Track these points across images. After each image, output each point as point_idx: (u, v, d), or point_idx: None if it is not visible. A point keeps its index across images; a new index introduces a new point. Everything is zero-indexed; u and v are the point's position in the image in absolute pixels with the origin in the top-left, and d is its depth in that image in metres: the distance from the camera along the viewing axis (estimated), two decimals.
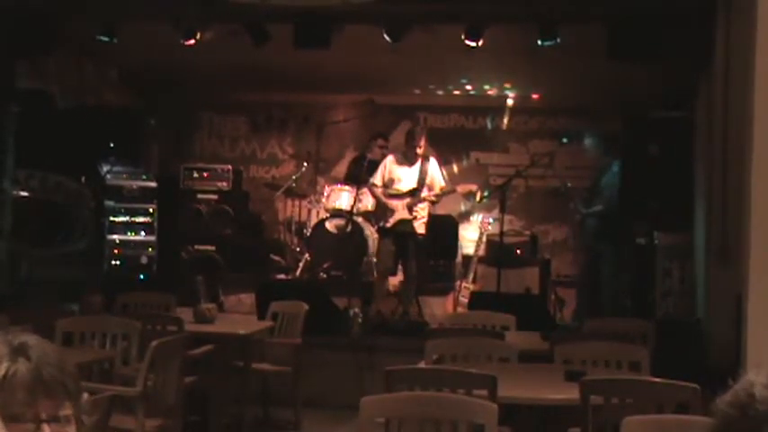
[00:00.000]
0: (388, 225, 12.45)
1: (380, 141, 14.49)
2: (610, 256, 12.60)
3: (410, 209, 12.34)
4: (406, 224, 12.35)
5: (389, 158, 12.71)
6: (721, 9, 8.95)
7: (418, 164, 12.41)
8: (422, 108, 16.16)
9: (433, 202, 12.61)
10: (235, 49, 12.23)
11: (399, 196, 12.38)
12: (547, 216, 15.50)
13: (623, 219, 12.35)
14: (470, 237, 14.57)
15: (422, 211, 12.45)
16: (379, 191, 12.57)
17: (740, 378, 1.69)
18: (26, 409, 2.22)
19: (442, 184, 12.68)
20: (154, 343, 6.97)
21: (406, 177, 12.42)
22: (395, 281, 13.17)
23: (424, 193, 12.40)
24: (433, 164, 12.57)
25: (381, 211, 12.65)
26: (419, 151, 12.36)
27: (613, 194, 12.35)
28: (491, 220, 13.76)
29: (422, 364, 6.85)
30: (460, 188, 13.31)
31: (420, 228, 12.43)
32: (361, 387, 9.75)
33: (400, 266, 12.83)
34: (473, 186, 13.34)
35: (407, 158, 12.46)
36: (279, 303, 10.07)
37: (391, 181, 12.46)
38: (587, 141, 13.04)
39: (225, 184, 14.93)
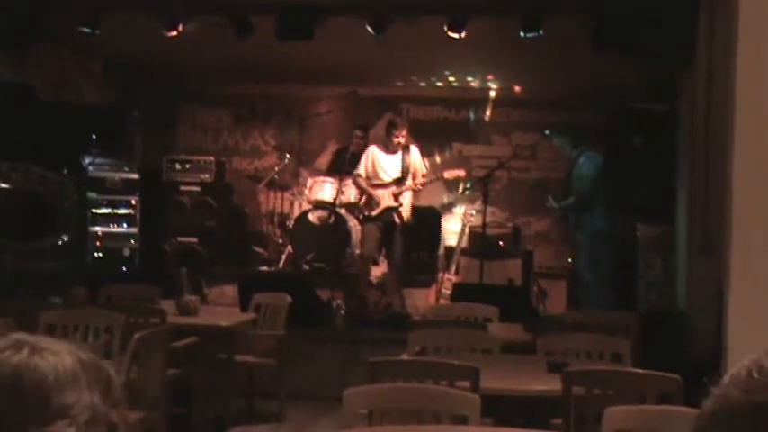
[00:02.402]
0: (374, 214, 12.49)
1: (359, 132, 14.47)
2: (591, 248, 12.61)
3: (396, 197, 12.38)
4: (392, 212, 12.39)
5: (371, 149, 12.76)
6: (704, 1, 8.97)
7: (400, 153, 12.46)
8: (405, 100, 16.17)
9: (416, 191, 12.64)
10: (218, 42, 12.23)
11: (384, 186, 12.43)
12: (529, 208, 15.52)
13: (604, 210, 12.37)
14: (453, 228, 14.59)
15: (406, 198, 12.49)
16: (363, 182, 12.61)
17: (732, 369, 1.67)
18: None
19: (424, 171, 12.73)
20: (136, 335, 6.96)
21: (388, 167, 12.47)
22: (378, 272, 13.19)
23: (409, 182, 12.44)
24: (414, 152, 12.61)
25: (367, 201, 12.68)
26: (401, 141, 12.40)
27: (584, 186, 12.39)
28: (474, 212, 13.77)
29: (404, 356, 6.86)
30: (447, 173, 13.25)
31: (405, 214, 12.46)
32: (344, 379, 9.75)
33: (383, 257, 12.86)
34: (461, 172, 13.30)
35: (389, 149, 12.51)
36: (262, 295, 10.06)
37: (375, 172, 12.50)
38: (556, 140, 13.11)
39: (207, 176, 14.91)
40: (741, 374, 1.60)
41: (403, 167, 12.43)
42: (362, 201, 12.96)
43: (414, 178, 12.50)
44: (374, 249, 12.75)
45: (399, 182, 12.43)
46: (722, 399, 1.61)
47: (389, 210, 12.43)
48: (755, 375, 1.59)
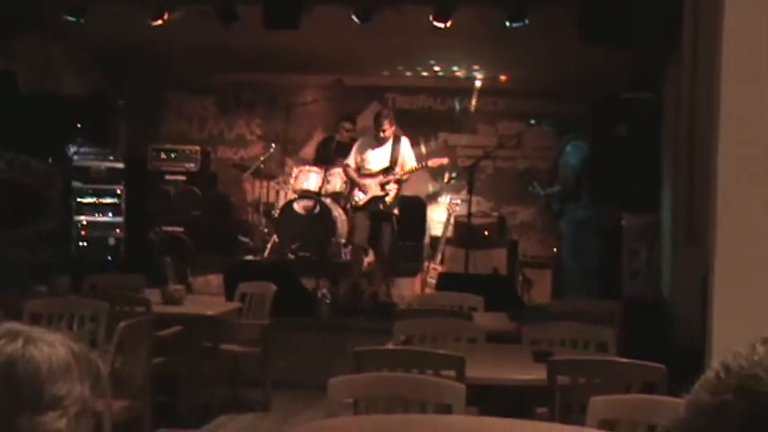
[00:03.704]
0: (361, 203, 12.48)
1: (347, 125, 14.49)
2: (576, 237, 12.63)
3: (383, 186, 12.37)
4: (379, 201, 12.37)
5: (361, 140, 12.78)
6: None
7: (389, 144, 12.46)
8: (390, 89, 16.15)
9: (400, 181, 12.59)
10: (203, 30, 12.19)
11: (372, 175, 12.42)
12: (515, 197, 15.51)
13: (589, 199, 12.38)
14: (438, 218, 14.60)
15: (392, 188, 12.45)
16: (353, 172, 12.60)
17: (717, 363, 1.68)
18: None
19: (413, 164, 12.68)
20: (122, 324, 6.96)
21: (377, 159, 12.47)
22: (364, 261, 13.19)
23: (397, 170, 12.44)
24: (404, 143, 12.61)
25: (354, 191, 12.69)
26: (386, 134, 12.40)
27: (569, 175, 12.39)
28: (459, 202, 13.78)
29: (390, 345, 6.86)
30: (432, 162, 13.23)
31: (391, 205, 12.44)
32: (329, 368, 9.75)
33: (370, 246, 12.85)
34: (443, 160, 13.27)
35: (377, 140, 12.51)
36: (247, 284, 10.06)
37: (363, 162, 12.50)
38: (545, 127, 13.11)
39: (193, 165, 14.88)
40: (709, 377, 1.62)
41: (392, 158, 12.43)
42: (349, 190, 12.99)
43: (402, 169, 12.48)
44: (365, 239, 12.73)
45: (387, 171, 12.42)
46: (692, 403, 1.62)
47: (376, 199, 12.42)
48: (722, 376, 1.60)
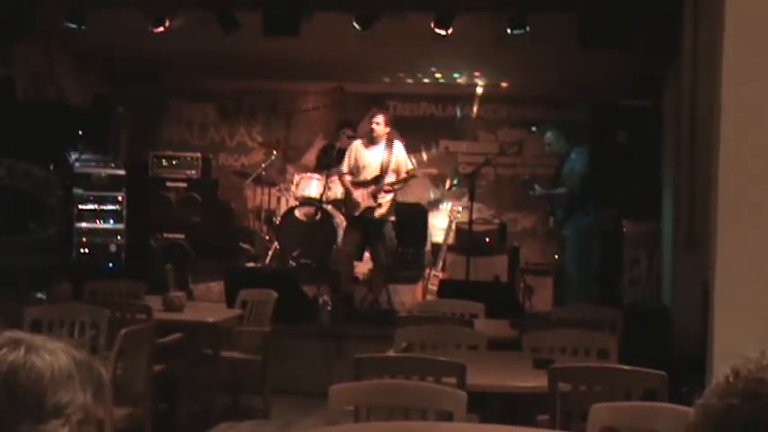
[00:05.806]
0: (356, 214, 12.43)
1: (348, 131, 14.44)
2: (577, 245, 12.61)
3: (374, 196, 12.27)
4: (372, 211, 12.32)
5: (355, 144, 12.65)
6: None
7: (382, 147, 12.31)
8: (391, 96, 16.13)
9: (395, 190, 12.49)
10: (204, 37, 12.20)
11: (364, 185, 12.31)
12: (516, 204, 15.52)
13: (591, 205, 12.37)
14: (439, 225, 14.58)
15: (386, 197, 12.37)
16: (347, 180, 12.50)
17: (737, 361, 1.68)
18: None
19: (410, 166, 12.54)
20: (123, 331, 6.95)
21: (370, 162, 12.30)
22: (363, 269, 13.17)
23: (391, 178, 12.30)
24: (398, 147, 12.41)
25: (349, 200, 12.64)
26: (376, 129, 12.23)
27: (574, 181, 12.37)
28: (460, 209, 13.77)
29: (391, 352, 6.86)
30: (420, 172, 13.18)
31: (384, 212, 12.37)
32: (330, 375, 9.76)
33: (368, 254, 12.83)
34: (434, 170, 13.27)
35: (370, 141, 12.37)
36: (248, 291, 10.05)
37: (357, 167, 12.39)
38: (548, 135, 13.05)
39: (194, 172, 14.87)
40: (720, 382, 1.62)
41: (383, 163, 12.29)
42: (346, 198, 12.98)
43: (398, 175, 12.39)
44: (353, 246, 12.66)
45: (378, 180, 12.29)
46: (702, 408, 1.63)
47: (370, 209, 12.34)
48: (731, 380, 1.61)
